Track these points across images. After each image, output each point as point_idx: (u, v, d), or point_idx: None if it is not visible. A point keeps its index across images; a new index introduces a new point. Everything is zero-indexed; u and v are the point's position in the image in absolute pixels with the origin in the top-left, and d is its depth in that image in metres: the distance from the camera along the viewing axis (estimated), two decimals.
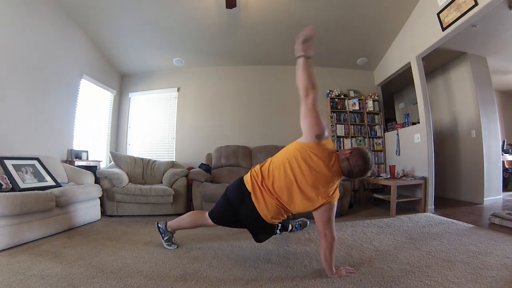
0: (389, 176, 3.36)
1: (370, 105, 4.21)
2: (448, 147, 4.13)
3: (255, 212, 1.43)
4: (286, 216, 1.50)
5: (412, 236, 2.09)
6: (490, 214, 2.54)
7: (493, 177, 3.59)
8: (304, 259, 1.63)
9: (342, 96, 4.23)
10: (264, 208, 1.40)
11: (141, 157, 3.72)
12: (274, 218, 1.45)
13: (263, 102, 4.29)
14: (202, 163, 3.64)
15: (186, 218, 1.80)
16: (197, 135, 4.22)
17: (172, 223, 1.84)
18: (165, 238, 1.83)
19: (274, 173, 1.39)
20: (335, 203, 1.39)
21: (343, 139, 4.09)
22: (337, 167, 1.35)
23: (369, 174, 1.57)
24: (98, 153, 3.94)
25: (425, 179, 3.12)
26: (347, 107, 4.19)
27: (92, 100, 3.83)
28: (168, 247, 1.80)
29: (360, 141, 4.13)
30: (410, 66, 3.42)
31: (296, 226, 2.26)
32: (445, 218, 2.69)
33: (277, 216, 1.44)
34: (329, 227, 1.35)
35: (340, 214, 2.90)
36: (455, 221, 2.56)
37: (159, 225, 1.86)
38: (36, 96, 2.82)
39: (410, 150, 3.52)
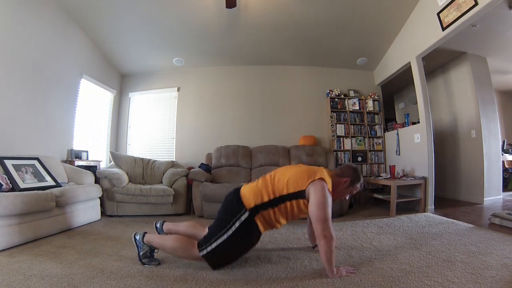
0: (389, 176, 3.36)
1: (370, 105, 4.21)
2: (448, 147, 4.13)
3: (234, 192, 1.54)
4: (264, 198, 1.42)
5: (412, 236, 2.09)
6: (490, 214, 2.54)
7: (493, 177, 3.60)
8: (304, 259, 1.63)
9: (342, 96, 4.23)
10: (249, 185, 1.54)
11: (141, 157, 3.72)
12: (250, 195, 1.45)
13: (263, 102, 4.29)
14: (202, 163, 3.64)
15: (169, 242, 1.49)
16: (197, 135, 4.22)
17: (151, 238, 1.52)
18: (141, 253, 1.51)
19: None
20: (329, 200, 1.37)
21: (343, 139, 4.09)
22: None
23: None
24: (98, 153, 3.94)
25: (425, 179, 3.12)
26: (347, 107, 4.19)
27: (92, 100, 3.83)
28: (147, 264, 1.49)
29: (360, 141, 4.13)
30: (410, 66, 3.42)
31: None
32: (445, 218, 2.69)
33: (256, 194, 1.44)
34: (327, 227, 1.33)
35: (340, 214, 2.91)
36: (455, 221, 2.56)
37: (136, 236, 1.54)
38: (36, 96, 2.82)
39: (410, 150, 3.52)
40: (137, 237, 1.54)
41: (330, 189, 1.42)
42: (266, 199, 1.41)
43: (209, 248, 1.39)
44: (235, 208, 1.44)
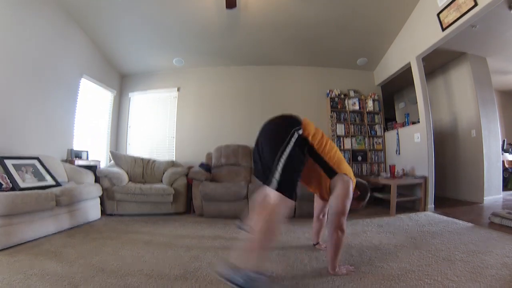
0: (389, 175, 3.36)
1: (370, 105, 4.21)
2: (448, 147, 4.13)
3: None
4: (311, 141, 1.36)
5: (412, 235, 2.09)
6: (490, 213, 2.54)
7: (493, 177, 3.60)
8: (304, 258, 1.63)
9: (342, 96, 4.24)
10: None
11: (141, 156, 3.72)
12: (308, 127, 1.37)
13: (263, 102, 4.29)
14: (202, 163, 3.64)
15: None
16: (197, 135, 4.22)
17: (241, 258, 1.14)
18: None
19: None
20: (351, 196, 1.41)
21: (343, 139, 4.09)
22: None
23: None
24: (98, 153, 3.94)
25: (425, 178, 3.12)
26: (347, 107, 4.19)
27: (92, 100, 3.83)
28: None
29: (360, 140, 4.13)
30: (410, 66, 3.42)
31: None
32: (445, 217, 2.69)
33: (312, 127, 1.40)
34: (344, 221, 1.38)
35: None
36: (455, 220, 2.56)
37: (232, 280, 1.05)
38: (36, 96, 2.82)
39: (410, 149, 3.52)
40: (235, 279, 1.04)
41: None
42: (314, 144, 1.38)
43: (276, 177, 1.20)
44: (293, 123, 1.34)
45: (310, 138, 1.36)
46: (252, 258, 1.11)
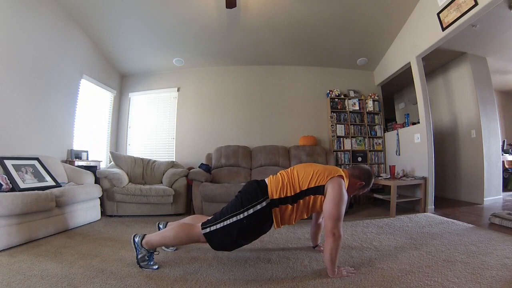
0: (389, 176, 3.36)
1: (370, 105, 4.21)
2: (448, 147, 4.13)
3: (255, 182, 1.52)
4: (286, 193, 1.41)
5: (412, 236, 2.09)
6: (490, 214, 2.54)
7: (493, 177, 3.59)
8: (304, 259, 1.63)
9: (342, 96, 4.23)
10: (274, 178, 1.50)
11: (141, 157, 3.72)
12: (275, 187, 1.43)
13: (263, 102, 4.29)
14: (202, 163, 3.64)
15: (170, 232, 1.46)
16: (197, 135, 4.22)
17: (150, 238, 1.47)
18: (139, 257, 1.46)
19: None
20: (345, 198, 1.38)
21: (343, 139, 4.09)
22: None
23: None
24: (98, 153, 3.94)
25: (425, 179, 3.12)
26: (347, 107, 4.19)
27: (92, 100, 3.83)
28: (145, 268, 1.44)
29: (360, 141, 4.13)
30: (410, 66, 3.42)
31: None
32: (445, 218, 2.69)
33: (282, 187, 1.42)
34: (338, 225, 1.34)
35: None
36: (455, 221, 2.56)
37: (135, 239, 1.48)
38: (36, 96, 2.82)
39: (410, 150, 3.52)
40: (136, 239, 1.47)
41: (346, 188, 1.45)
42: (289, 194, 1.41)
43: (213, 228, 1.38)
44: (256, 195, 1.41)
45: (282, 196, 1.41)
46: (154, 243, 1.46)
